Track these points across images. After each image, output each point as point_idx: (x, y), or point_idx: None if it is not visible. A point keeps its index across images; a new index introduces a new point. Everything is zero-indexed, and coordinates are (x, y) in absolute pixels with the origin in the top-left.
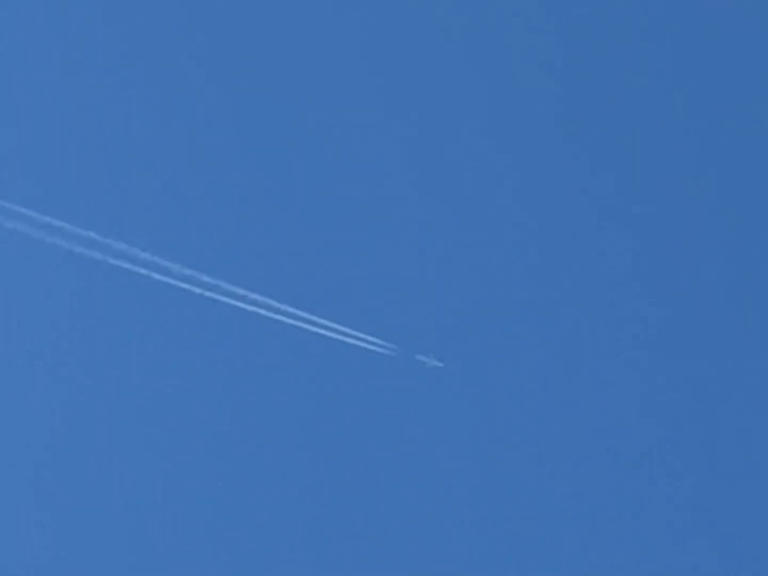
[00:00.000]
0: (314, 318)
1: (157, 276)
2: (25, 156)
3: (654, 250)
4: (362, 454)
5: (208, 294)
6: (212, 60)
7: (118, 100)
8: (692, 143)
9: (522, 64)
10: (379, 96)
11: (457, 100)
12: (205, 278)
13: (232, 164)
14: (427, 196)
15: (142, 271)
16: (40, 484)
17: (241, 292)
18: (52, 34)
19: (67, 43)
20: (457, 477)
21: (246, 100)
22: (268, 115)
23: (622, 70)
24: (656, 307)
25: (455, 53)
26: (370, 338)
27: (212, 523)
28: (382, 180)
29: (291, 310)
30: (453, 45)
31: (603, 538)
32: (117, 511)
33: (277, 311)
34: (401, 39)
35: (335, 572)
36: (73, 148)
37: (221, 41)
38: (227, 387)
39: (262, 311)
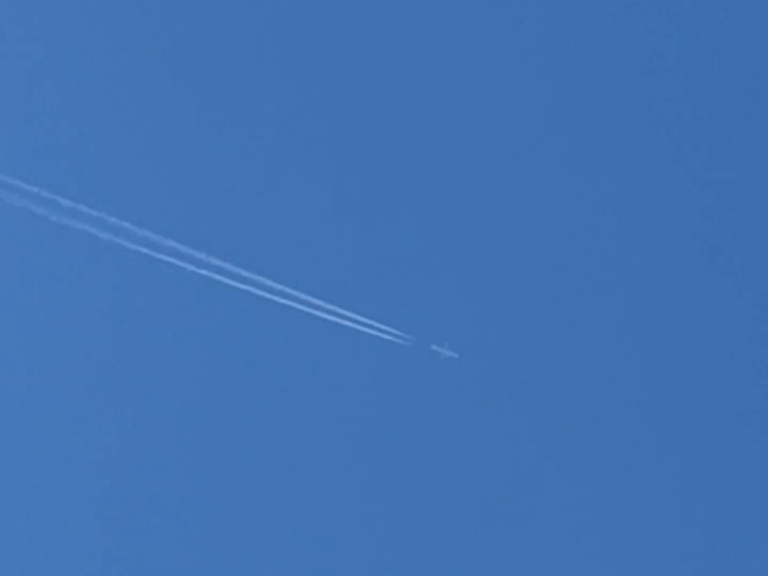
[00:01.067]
0: (328, 306)
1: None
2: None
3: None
4: (373, 443)
5: (218, 278)
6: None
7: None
8: (692, 143)
9: (522, 62)
10: (401, 82)
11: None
12: (214, 261)
13: (251, 151)
14: (447, 183)
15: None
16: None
17: (255, 277)
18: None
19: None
20: (468, 470)
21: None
22: (282, 109)
23: (622, 70)
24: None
25: (455, 53)
26: (384, 327)
27: (223, 513)
28: (401, 168)
29: (305, 296)
30: (452, 44)
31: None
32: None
33: (291, 298)
34: (400, 38)
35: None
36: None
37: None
38: (239, 374)
39: (276, 298)
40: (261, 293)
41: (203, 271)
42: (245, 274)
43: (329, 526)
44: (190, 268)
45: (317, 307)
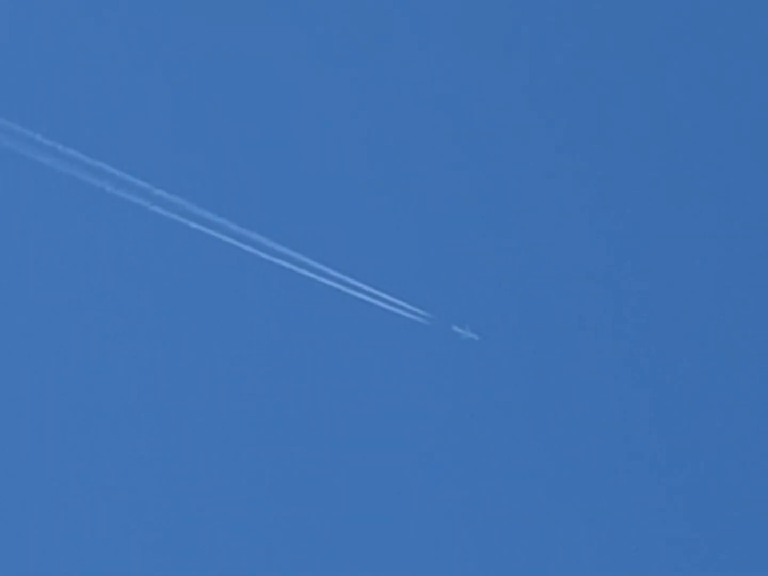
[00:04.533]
0: (353, 281)
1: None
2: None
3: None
4: (391, 419)
5: (246, 248)
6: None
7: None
8: (692, 143)
9: (520, 62)
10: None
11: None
12: (255, 235)
13: (276, 135)
14: (473, 170)
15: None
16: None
17: (280, 249)
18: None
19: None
20: (484, 451)
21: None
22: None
23: (621, 69)
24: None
25: (454, 53)
26: (407, 305)
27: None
28: (427, 152)
29: (333, 272)
30: (451, 44)
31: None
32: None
33: (318, 272)
34: (397, 36)
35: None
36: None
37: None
38: (263, 348)
39: (303, 271)
40: (283, 263)
41: (231, 240)
42: (275, 247)
43: (352, 497)
44: (221, 237)
45: (343, 283)
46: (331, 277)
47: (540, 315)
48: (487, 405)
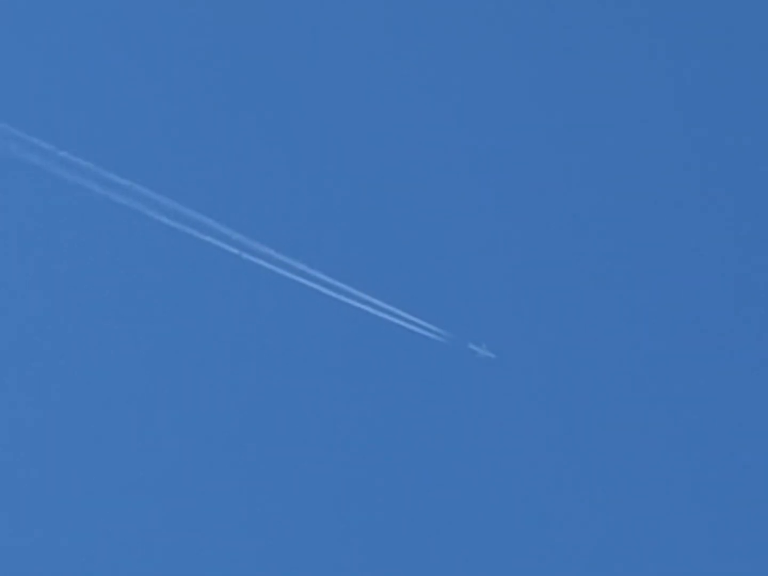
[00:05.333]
0: (372, 299)
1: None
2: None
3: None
4: (405, 435)
5: (264, 264)
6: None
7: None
8: (691, 143)
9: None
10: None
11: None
12: (264, 248)
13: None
14: (492, 186)
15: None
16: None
17: (299, 266)
18: None
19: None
20: (497, 469)
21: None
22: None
23: (621, 69)
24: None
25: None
26: (424, 323)
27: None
28: (446, 170)
29: (350, 289)
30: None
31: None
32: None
33: (336, 289)
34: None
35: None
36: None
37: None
38: (275, 364)
39: (318, 287)
40: (302, 281)
41: (247, 255)
42: (287, 261)
43: (364, 515)
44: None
45: (358, 299)
46: (347, 294)
47: (557, 334)
48: (503, 423)
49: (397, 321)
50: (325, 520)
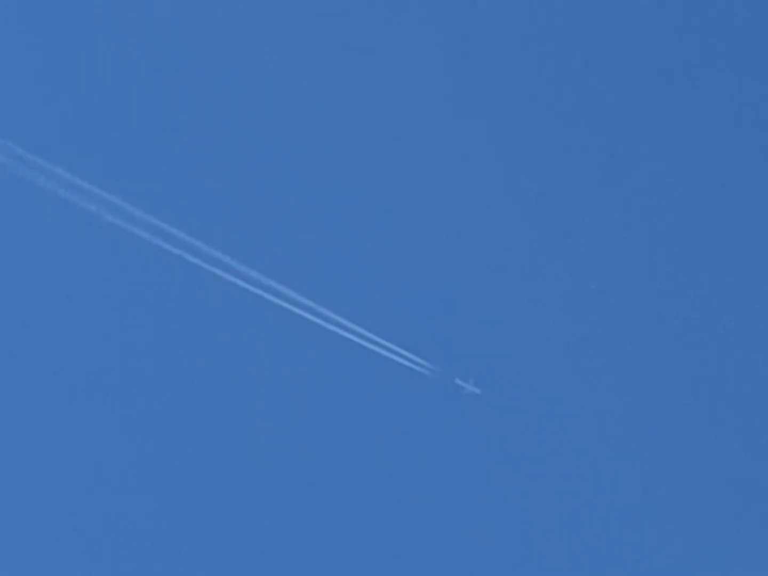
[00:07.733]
0: (358, 329)
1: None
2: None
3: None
4: (389, 469)
5: (239, 282)
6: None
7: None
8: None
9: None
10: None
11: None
12: (253, 273)
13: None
14: (480, 221)
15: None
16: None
17: (282, 289)
18: None
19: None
20: (480, 506)
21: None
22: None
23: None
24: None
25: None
26: (411, 356)
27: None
28: (427, 200)
29: (336, 317)
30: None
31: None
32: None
33: (322, 316)
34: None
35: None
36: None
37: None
38: (256, 393)
39: (306, 314)
40: (289, 307)
41: (240, 282)
42: (273, 286)
43: (343, 556)
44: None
45: (346, 329)
46: (335, 323)
47: (545, 371)
48: (488, 460)
49: (383, 353)
50: (306, 556)
